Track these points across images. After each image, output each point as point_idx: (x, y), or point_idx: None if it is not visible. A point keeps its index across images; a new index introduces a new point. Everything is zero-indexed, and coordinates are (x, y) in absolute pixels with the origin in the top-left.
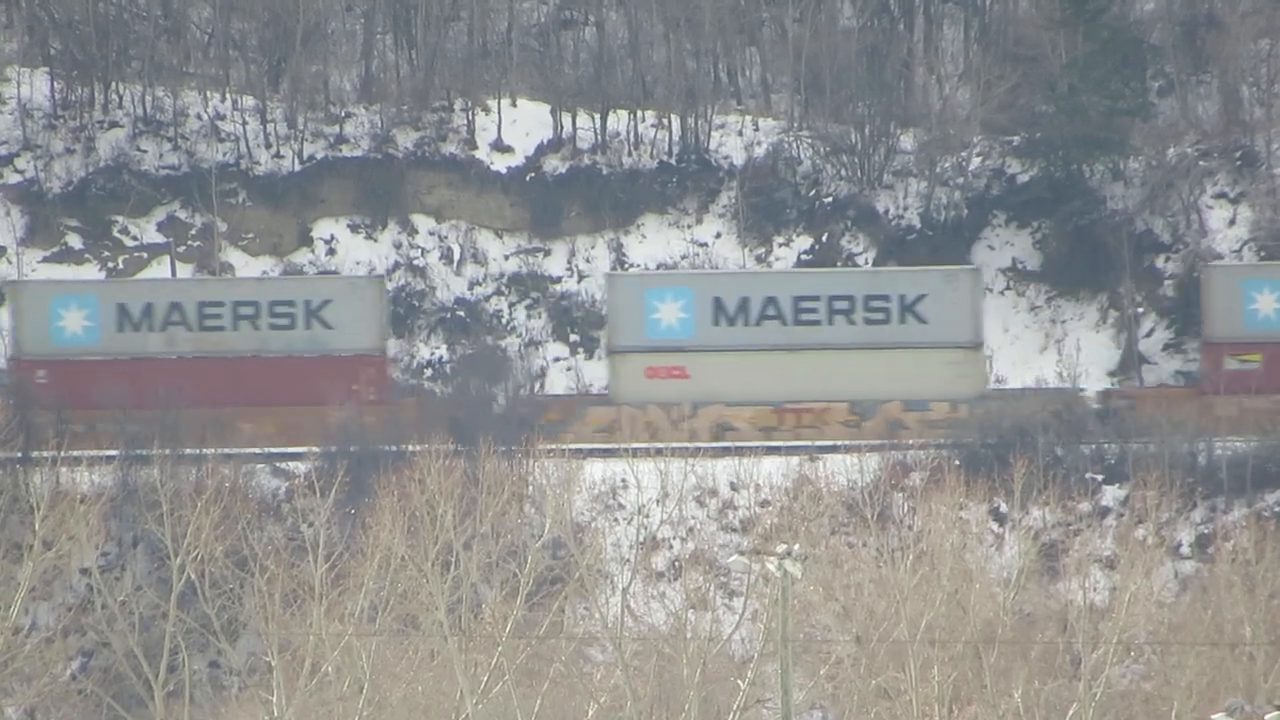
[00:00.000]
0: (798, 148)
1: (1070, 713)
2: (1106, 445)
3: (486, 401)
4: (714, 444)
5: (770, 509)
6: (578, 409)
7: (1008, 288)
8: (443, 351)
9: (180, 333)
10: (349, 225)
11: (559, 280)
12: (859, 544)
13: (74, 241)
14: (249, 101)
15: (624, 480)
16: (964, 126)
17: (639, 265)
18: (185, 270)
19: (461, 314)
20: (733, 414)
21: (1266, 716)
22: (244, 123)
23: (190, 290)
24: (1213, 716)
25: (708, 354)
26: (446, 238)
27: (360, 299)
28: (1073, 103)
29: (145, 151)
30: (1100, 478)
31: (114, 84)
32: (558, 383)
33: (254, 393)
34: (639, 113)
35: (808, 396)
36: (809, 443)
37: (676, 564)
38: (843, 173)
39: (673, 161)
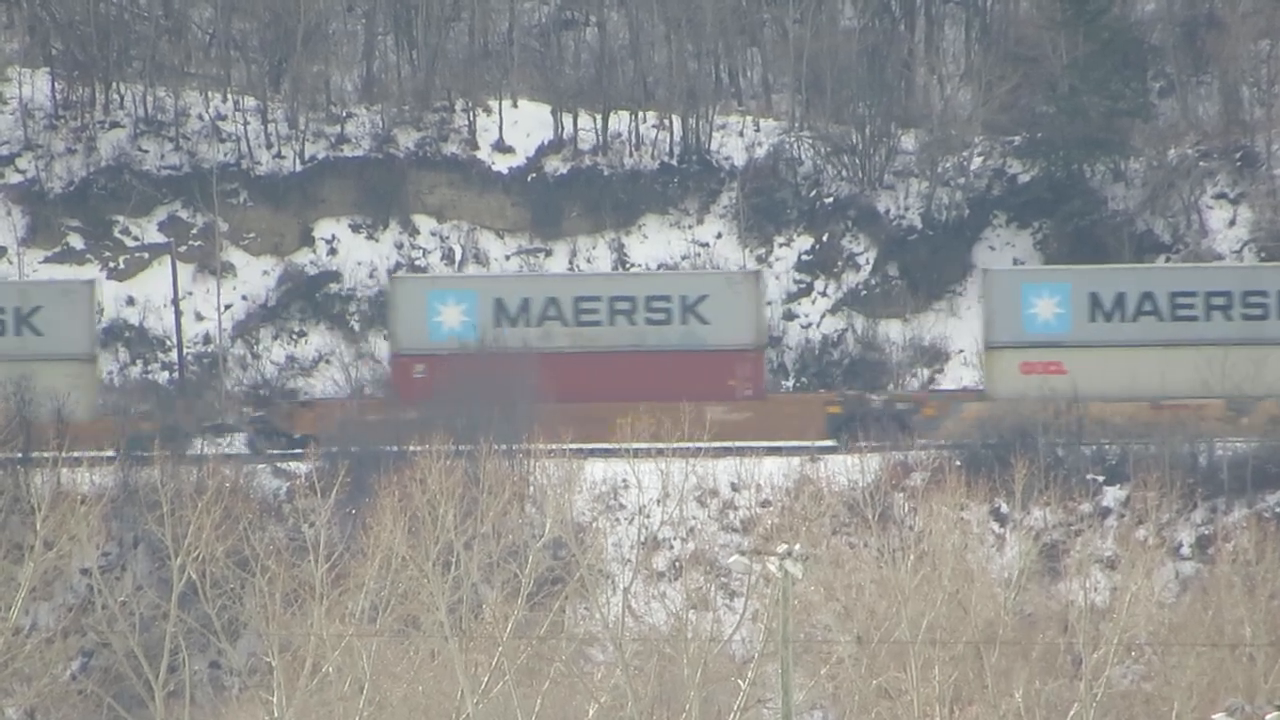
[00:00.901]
0: (799, 148)
1: (1071, 713)
2: (1107, 446)
3: (865, 399)
4: (714, 444)
5: (771, 509)
6: (953, 405)
7: None
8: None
9: (556, 328)
10: (350, 225)
11: None
12: (860, 544)
13: (75, 242)
14: (250, 101)
15: (625, 480)
16: (965, 127)
17: (641, 265)
18: (185, 271)
19: None
20: (1112, 409)
21: (1267, 717)
22: (245, 123)
23: (567, 286)
24: (1213, 717)
25: (1084, 350)
26: (448, 238)
27: (737, 294)
28: (1073, 103)
29: (146, 151)
30: (1101, 478)
31: (115, 84)
32: None
33: (629, 388)
34: (640, 113)
35: (1184, 393)
36: (809, 443)
37: (677, 564)
38: (844, 173)
39: (674, 162)
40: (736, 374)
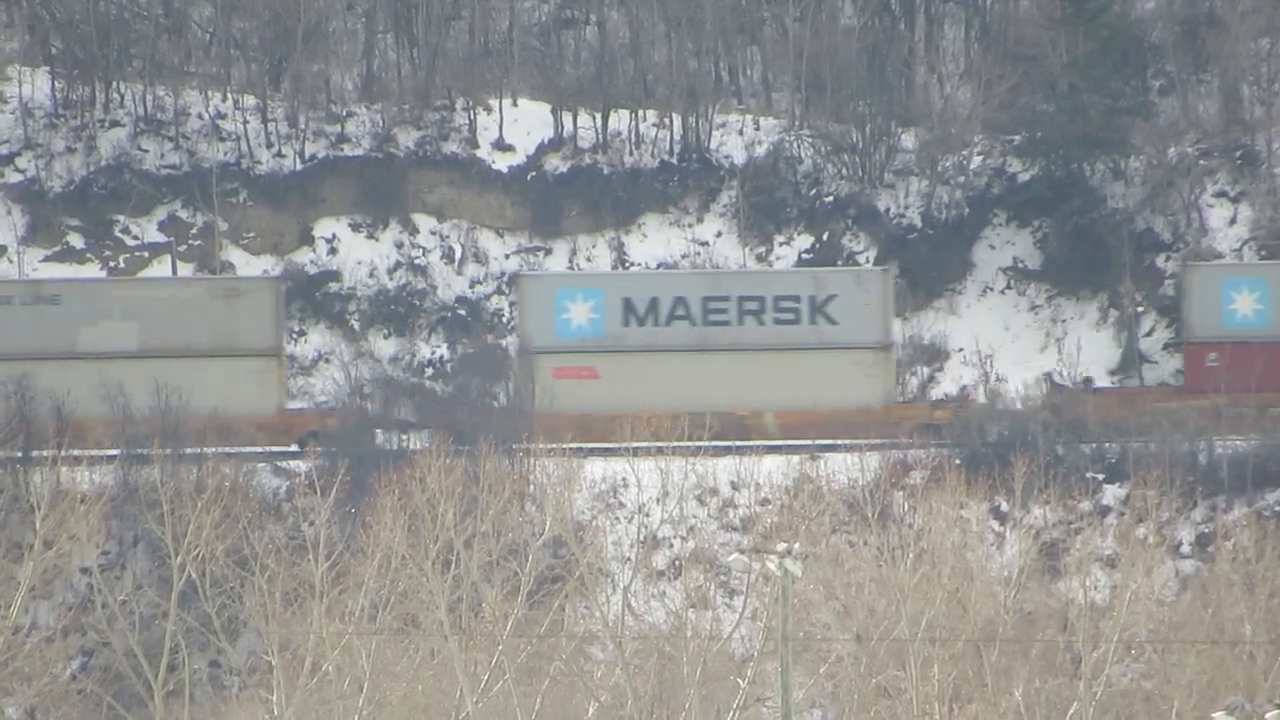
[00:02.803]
0: (798, 147)
1: (1071, 711)
2: (1107, 444)
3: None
4: (715, 442)
5: (771, 508)
6: None
7: (1008, 287)
8: (443, 350)
9: (684, 327)
10: (350, 224)
11: None
12: (859, 542)
13: (75, 241)
14: (250, 101)
15: (624, 479)
16: (965, 125)
17: (640, 264)
18: (185, 270)
19: (462, 313)
20: None
21: (1267, 715)
22: (245, 122)
23: (694, 284)
24: (1213, 715)
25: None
26: (448, 237)
27: (865, 292)
28: (1073, 102)
29: (146, 151)
30: (1101, 476)
31: (115, 83)
32: None
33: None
34: (640, 112)
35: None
36: (810, 441)
37: (677, 563)
38: (844, 172)
39: (674, 161)
40: None
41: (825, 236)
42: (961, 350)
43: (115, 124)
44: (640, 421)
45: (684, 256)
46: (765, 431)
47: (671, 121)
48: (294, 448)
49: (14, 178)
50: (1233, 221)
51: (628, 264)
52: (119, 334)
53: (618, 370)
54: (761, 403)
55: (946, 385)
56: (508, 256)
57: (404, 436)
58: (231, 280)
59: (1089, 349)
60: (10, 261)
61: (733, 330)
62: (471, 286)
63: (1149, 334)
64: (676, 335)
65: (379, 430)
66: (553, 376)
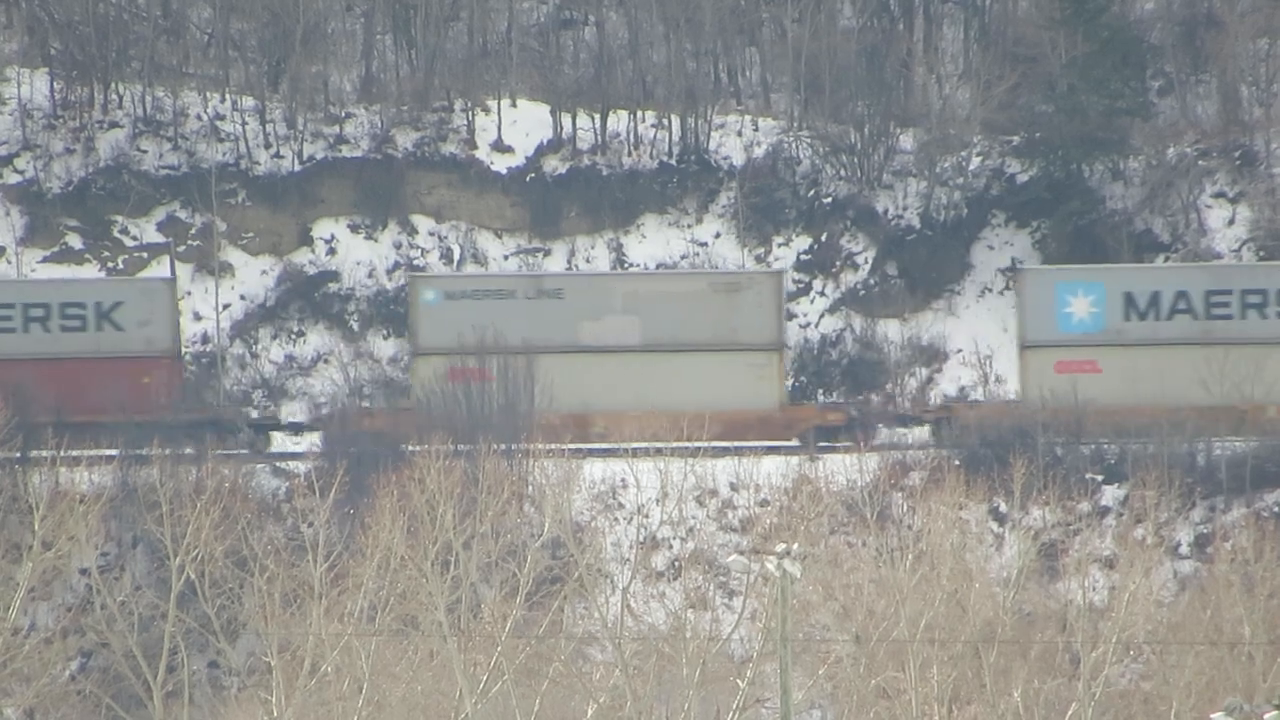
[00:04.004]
0: (797, 147)
1: (1070, 712)
2: (1106, 445)
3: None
4: (713, 443)
5: (770, 509)
6: None
7: (1007, 288)
8: None
9: (1186, 321)
10: (349, 225)
11: None
12: (858, 543)
13: (74, 241)
14: (249, 102)
15: (623, 480)
16: (963, 126)
17: (639, 265)
18: (184, 270)
19: None
20: None
21: (1265, 716)
22: (244, 123)
23: (1196, 278)
24: (1212, 716)
25: None
26: (446, 238)
27: None
28: (1072, 102)
29: (145, 151)
30: (1100, 478)
31: (114, 84)
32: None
33: None
34: (639, 113)
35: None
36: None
37: (676, 564)
38: (842, 173)
39: (672, 162)
40: None
41: (824, 237)
42: (960, 351)
43: (114, 125)
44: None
45: (682, 257)
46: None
47: (670, 122)
48: (794, 443)
49: (12, 179)
50: (1231, 222)
51: (626, 265)
52: (621, 328)
53: (1118, 364)
54: (1265, 396)
55: (945, 386)
56: (506, 257)
57: None
58: (733, 274)
59: None
60: (9, 263)
61: (1235, 324)
62: None
63: None
64: (1177, 329)
65: None
66: (1053, 370)
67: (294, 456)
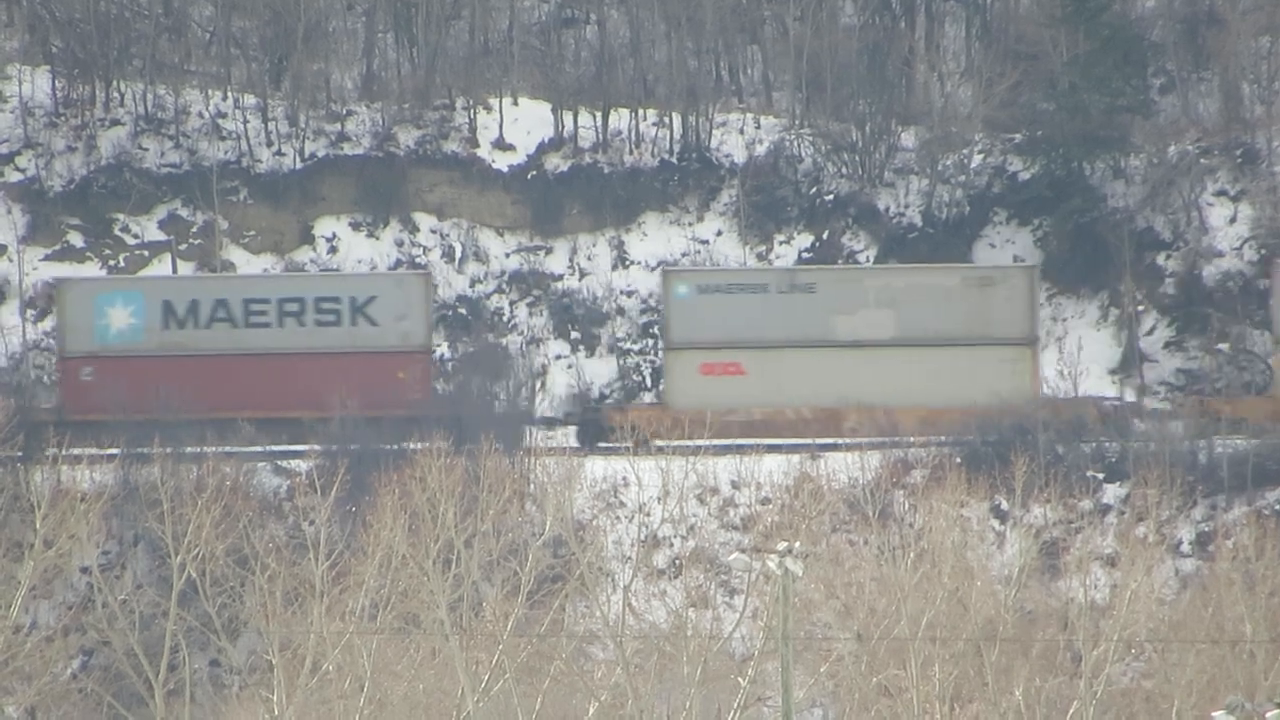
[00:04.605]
0: (799, 145)
1: (1071, 710)
2: (1107, 443)
3: None
4: (715, 441)
5: (771, 507)
6: None
7: None
8: (444, 349)
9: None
10: (350, 223)
11: (560, 278)
12: (860, 542)
13: (75, 240)
14: (250, 99)
15: (625, 478)
16: (965, 124)
17: (640, 263)
18: (185, 268)
19: (463, 312)
20: None
21: (1267, 714)
22: (245, 121)
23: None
24: (1213, 714)
25: None
26: (448, 236)
27: None
28: (1074, 100)
29: (147, 149)
30: (1101, 475)
31: (115, 82)
32: (558, 380)
33: None
34: (640, 111)
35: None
36: (810, 440)
37: (677, 562)
38: (844, 170)
39: (674, 160)
40: None
41: (825, 235)
42: None
43: (115, 123)
44: None
45: (684, 255)
46: None
47: (672, 120)
48: None
49: (14, 177)
50: (1233, 220)
51: (627, 264)
52: (874, 322)
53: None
54: None
55: None
56: (508, 255)
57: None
58: (987, 269)
59: (1089, 348)
60: (10, 261)
61: None
62: (472, 285)
63: (1150, 333)
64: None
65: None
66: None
67: (295, 455)
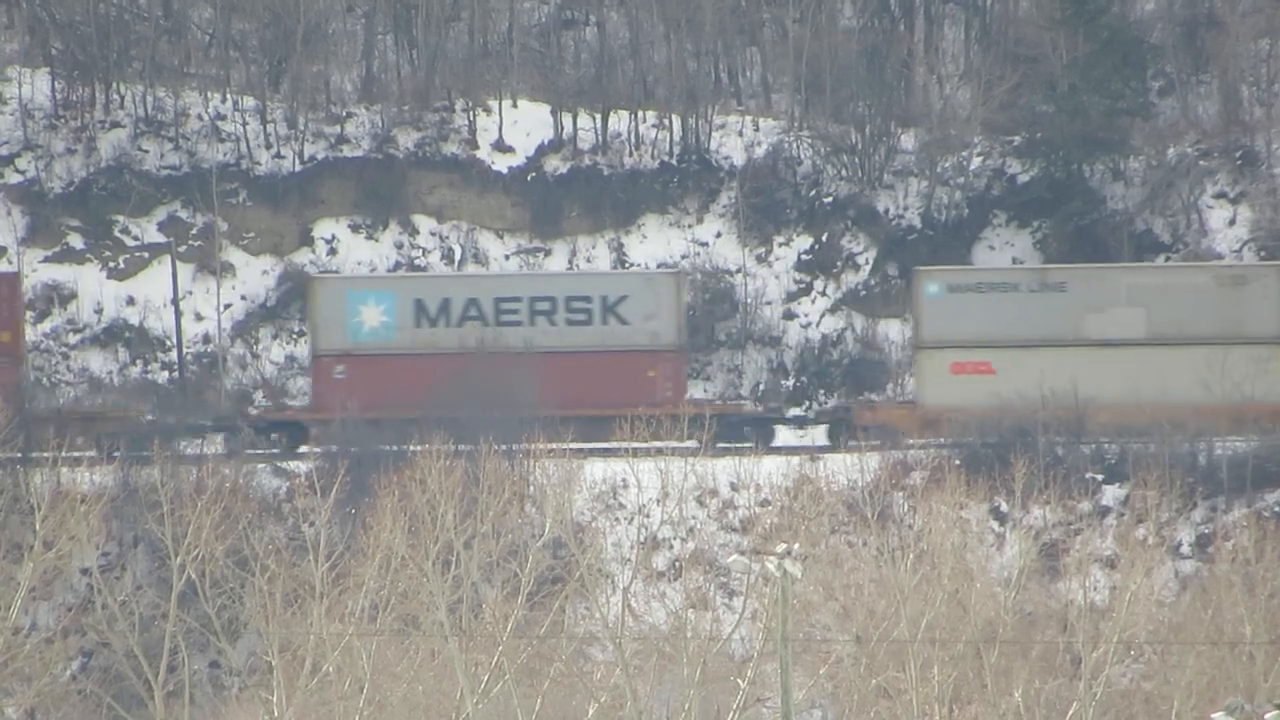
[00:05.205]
0: (798, 148)
1: (1070, 712)
2: (1107, 445)
3: None
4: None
5: (770, 508)
6: None
7: None
8: None
9: None
10: (350, 225)
11: None
12: (859, 543)
13: (75, 241)
14: (250, 102)
15: (624, 480)
16: (964, 126)
17: (639, 265)
18: (185, 270)
19: None
20: None
21: (1266, 716)
22: (245, 123)
23: None
24: (1213, 715)
25: None
26: (448, 238)
27: None
28: (1073, 102)
29: (146, 151)
30: (1101, 477)
31: (115, 84)
32: None
33: None
34: (640, 113)
35: None
36: (809, 443)
37: (677, 564)
38: (843, 173)
39: (673, 162)
40: None
41: (824, 237)
42: None
43: (115, 125)
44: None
45: (683, 257)
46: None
47: (671, 122)
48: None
49: (14, 179)
50: (1232, 222)
51: (627, 265)
52: (1125, 320)
53: None
54: None
55: None
56: (507, 257)
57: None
58: (1239, 267)
59: None
60: (10, 263)
61: None
62: None
63: None
64: None
65: None
66: None
67: (295, 456)
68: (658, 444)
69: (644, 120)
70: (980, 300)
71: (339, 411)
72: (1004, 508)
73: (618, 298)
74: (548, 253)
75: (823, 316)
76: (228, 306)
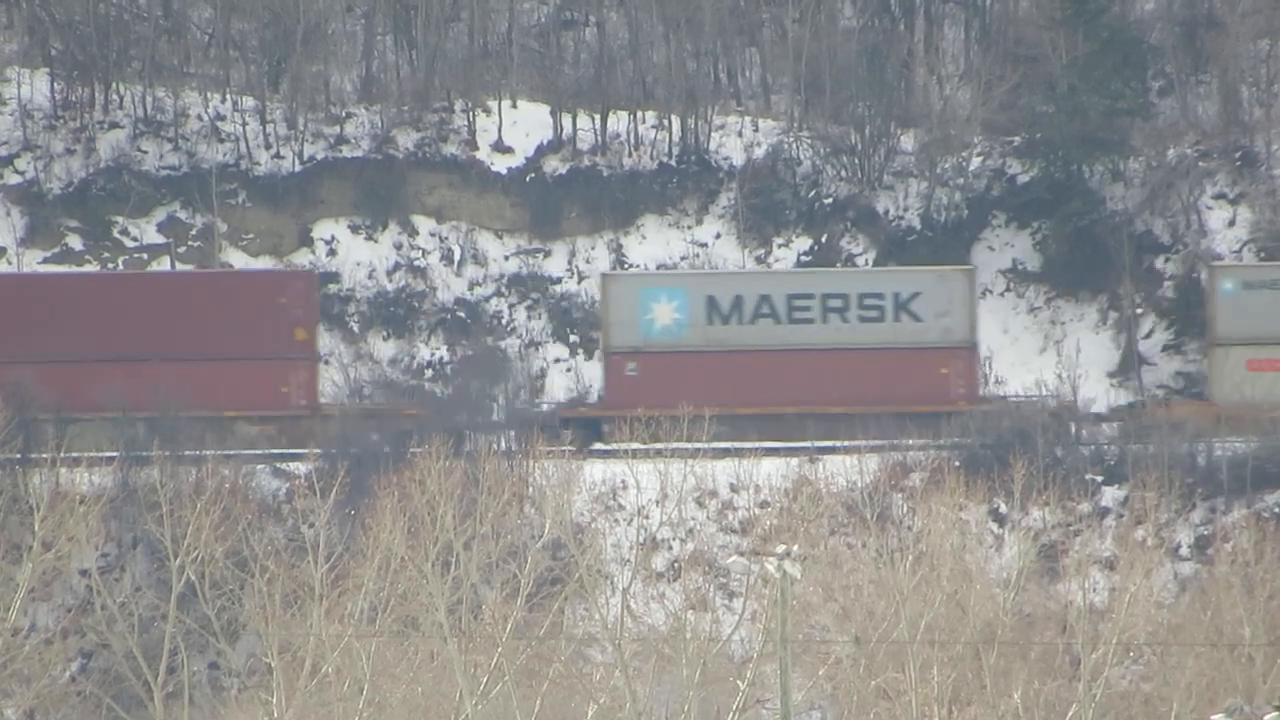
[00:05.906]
0: (797, 148)
1: (1070, 713)
2: (1106, 446)
3: None
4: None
5: (770, 510)
6: None
7: (1007, 289)
8: (443, 352)
9: None
10: (349, 226)
11: (559, 281)
12: (858, 545)
13: (74, 242)
14: (249, 102)
15: (624, 481)
16: (964, 127)
17: (639, 265)
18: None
19: (461, 315)
20: None
21: (1266, 717)
22: (244, 123)
23: None
24: (1212, 717)
25: None
26: (447, 238)
27: None
28: (1073, 103)
29: (145, 152)
30: (1100, 478)
31: (114, 84)
32: (557, 383)
33: None
34: (639, 113)
35: None
36: (809, 443)
37: (676, 565)
38: (843, 173)
39: (672, 162)
40: None
41: (824, 238)
42: None
43: (114, 125)
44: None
45: (683, 258)
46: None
47: (670, 123)
48: None
49: (13, 179)
50: (1232, 223)
51: (626, 265)
52: None
53: None
54: None
55: None
56: (507, 258)
57: None
58: None
59: (1088, 351)
60: (9, 263)
61: None
62: (471, 288)
63: (1148, 336)
64: None
65: None
66: None
67: (294, 457)
68: (656, 445)
69: (643, 121)
70: (1277, 297)
71: (631, 409)
72: (1003, 509)
73: (910, 294)
74: (547, 253)
75: None
76: None
